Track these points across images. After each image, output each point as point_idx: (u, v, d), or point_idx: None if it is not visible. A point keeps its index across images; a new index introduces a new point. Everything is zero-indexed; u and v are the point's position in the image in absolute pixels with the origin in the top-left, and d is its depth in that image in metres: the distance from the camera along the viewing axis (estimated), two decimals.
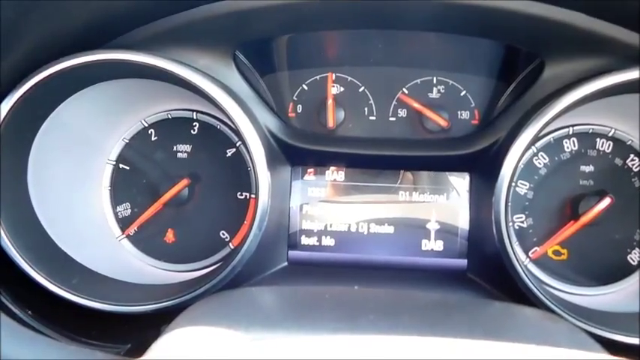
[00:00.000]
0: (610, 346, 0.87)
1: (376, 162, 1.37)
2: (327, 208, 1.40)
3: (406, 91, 1.40)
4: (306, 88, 1.41)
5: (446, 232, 1.37)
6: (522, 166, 1.36)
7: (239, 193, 1.41)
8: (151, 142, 1.43)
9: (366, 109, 1.41)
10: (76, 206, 1.36)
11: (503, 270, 1.18)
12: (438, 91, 1.39)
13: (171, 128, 1.43)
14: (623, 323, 1.14)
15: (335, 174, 1.40)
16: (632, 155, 1.36)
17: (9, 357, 0.75)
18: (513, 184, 1.33)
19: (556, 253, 1.37)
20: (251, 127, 1.21)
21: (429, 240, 1.38)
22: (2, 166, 1.16)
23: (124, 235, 1.43)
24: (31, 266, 1.18)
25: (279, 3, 1.15)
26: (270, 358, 0.69)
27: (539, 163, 1.38)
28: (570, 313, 1.13)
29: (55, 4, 1.05)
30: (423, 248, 1.37)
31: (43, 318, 1.18)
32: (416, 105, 1.38)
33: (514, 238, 1.35)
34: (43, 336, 1.09)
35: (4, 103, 1.13)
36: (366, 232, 1.39)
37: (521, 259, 1.19)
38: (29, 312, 1.17)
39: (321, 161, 1.39)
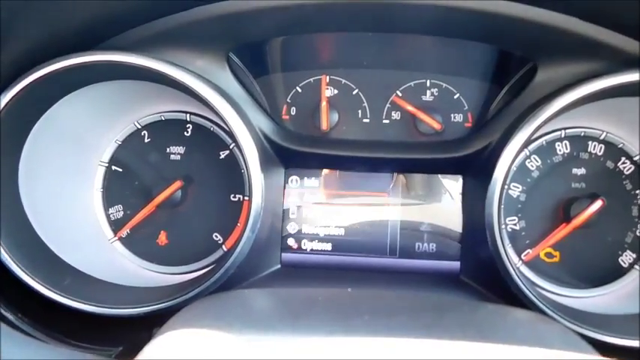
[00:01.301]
0: (602, 347, 0.87)
1: (370, 164, 1.37)
2: (320, 211, 1.39)
3: (400, 94, 1.40)
4: (300, 90, 1.41)
5: (439, 234, 1.37)
6: (515, 169, 1.37)
7: (232, 195, 1.41)
8: (144, 144, 1.43)
9: (359, 111, 1.41)
10: (67, 208, 1.35)
11: (496, 272, 1.19)
12: (432, 93, 1.40)
13: (165, 130, 1.43)
14: (615, 325, 1.15)
15: (328, 176, 1.40)
16: (623, 158, 1.37)
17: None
18: (506, 186, 1.33)
19: (548, 255, 1.37)
20: (244, 129, 1.21)
21: (422, 242, 1.38)
22: None
23: (116, 238, 1.42)
24: (21, 268, 1.17)
25: (273, 5, 1.15)
26: None
27: (532, 166, 1.38)
28: (562, 315, 1.13)
29: (49, 5, 1.04)
30: (416, 251, 1.38)
31: (34, 321, 1.17)
32: (409, 108, 1.38)
33: (507, 241, 1.35)
34: (34, 339, 1.09)
35: None
36: (359, 235, 1.39)
37: (514, 262, 1.20)
38: (20, 315, 1.16)
39: (314, 164, 1.39)
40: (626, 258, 1.36)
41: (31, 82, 1.13)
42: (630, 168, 1.37)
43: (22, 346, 0.83)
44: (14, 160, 1.23)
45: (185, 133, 1.43)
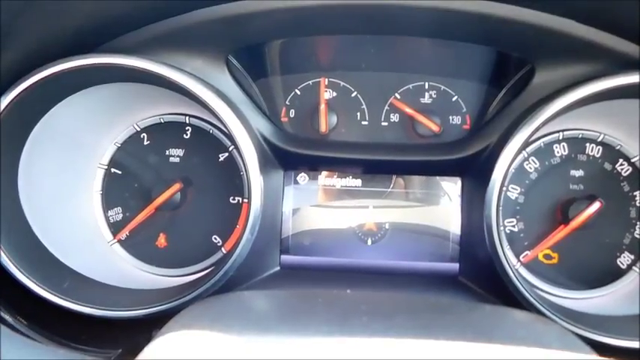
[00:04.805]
0: (600, 348, 0.87)
1: (368, 167, 1.38)
2: (319, 213, 1.40)
3: (398, 96, 1.41)
4: (298, 92, 1.42)
5: (438, 236, 1.38)
6: (513, 171, 1.37)
7: (231, 197, 1.41)
8: (144, 147, 1.43)
9: (358, 113, 1.41)
10: (67, 211, 1.35)
11: (495, 274, 1.19)
12: (430, 96, 1.40)
13: (164, 132, 1.43)
14: (613, 326, 1.15)
15: (327, 178, 1.41)
16: (621, 160, 1.37)
17: None
18: (504, 188, 1.34)
19: (547, 256, 1.38)
20: (244, 132, 1.21)
21: (421, 244, 1.38)
22: None
23: (116, 240, 1.42)
24: (20, 271, 1.17)
25: (272, 8, 1.16)
26: None
27: (530, 168, 1.39)
28: (561, 316, 1.13)
29: (49, 8, 1.05)
30: (415, 252, 1.38)
31: (34, 323, 1.17)
32: (408, 110, 1.39)
33: (505, 242, 1.36)
34: (33, 341, 1.09)
35: None
36: (358, 237, 1.39)
37: (513, 263, 1.20)
38: (19, 317, 1.16)
39: (313, 166, 1.39)
40: (625, 259, 1.36)
41: (30, 85, 1.14)
42: (628, 170, 1.37)
43: (21, 348, 0.83)
44: (14, 162, 1.23)
45: (184, 135, 1.43)
